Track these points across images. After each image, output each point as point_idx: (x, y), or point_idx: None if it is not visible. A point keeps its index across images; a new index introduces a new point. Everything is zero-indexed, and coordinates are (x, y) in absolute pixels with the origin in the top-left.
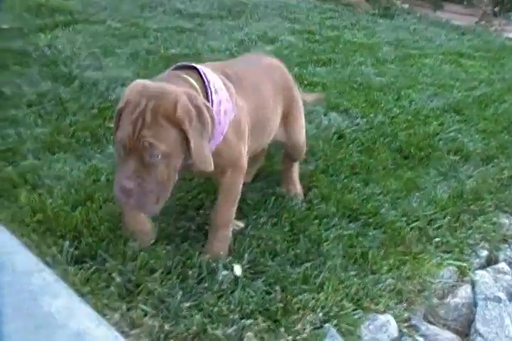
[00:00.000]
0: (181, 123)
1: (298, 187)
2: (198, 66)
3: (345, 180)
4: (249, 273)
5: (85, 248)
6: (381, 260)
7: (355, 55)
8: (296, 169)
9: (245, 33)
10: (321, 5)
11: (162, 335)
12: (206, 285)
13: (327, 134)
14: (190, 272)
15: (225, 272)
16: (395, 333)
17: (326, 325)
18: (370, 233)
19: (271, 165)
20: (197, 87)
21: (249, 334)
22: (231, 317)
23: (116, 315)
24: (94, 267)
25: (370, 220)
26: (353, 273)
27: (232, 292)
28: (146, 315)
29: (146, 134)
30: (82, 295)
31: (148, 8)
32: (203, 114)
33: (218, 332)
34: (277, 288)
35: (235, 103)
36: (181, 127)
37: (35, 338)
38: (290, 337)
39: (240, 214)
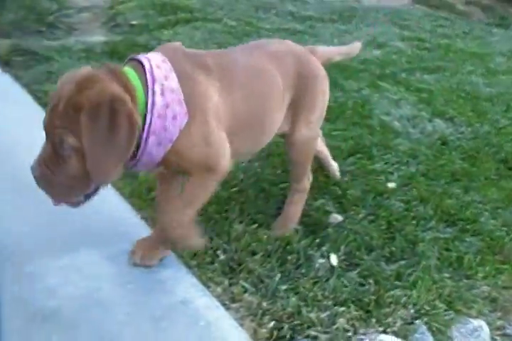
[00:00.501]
0: (82, 122)
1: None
2: (150, 60)
3: (446, 186)
4: (344, 265)
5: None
6: (477, 266)
7: (465, 64)
8: (298, 197)
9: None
10: (434, 13)
11: (260, 311)
12: (303, 271)
13: (430, 140)
14: (289, 257)
15: (321, 260)
16: (488, 340)
17: (417, 321)
18: (467, 239)
19: (372, 164)
20: (134, 85)
21: (341, 320)
22: (325, 302)
23: (219, 289)
24: None
25: (468, 227)
26: (446, 275)
27: (327, 280)
28: (245, 291)
29: (57, 124)
30: (189, 267)
31: (262, 10)
32: (116, 121)
33: (312, 315)
34: (371, 281)
35: (209, 97)
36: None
37: (146, 300)
38: (381, 328)
39: (340, 209)
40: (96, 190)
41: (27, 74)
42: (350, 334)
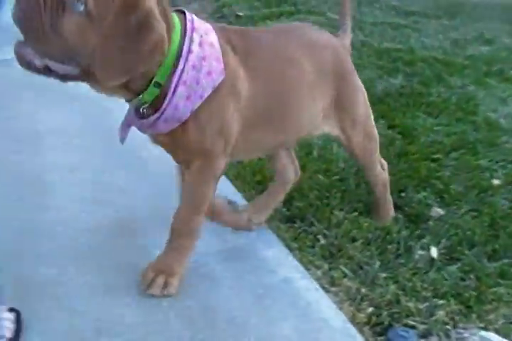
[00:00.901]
0: (120, 3)
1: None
2: (193, 15)
3: None
4: (444, 258)
5: (296, 210)
6: None
7: None
8: (381, 188)
9: (461, 33)
10: None
11: (358, 297)
12: (402, 261)
13: None
14: (388, 246)
15: (421, 252)
16: None
17: None
18: None
19: (476, 160)
20: (173, 23)
21: (441, 312)
22: (424, 294)
23: (319, 272)
24: (302, 228)
25: None
26: None
27: (426, 272)
28: (345, 276)
29: None
30: (290, 249)
31: (365, 3)
32: (145, 26)
33: (411, 305)
34: (472, 276)
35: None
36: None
37: (249, 278)
38: (481, 324)
39: (441, 203)
40: (63, 75)
41: None
42: (449, 327)
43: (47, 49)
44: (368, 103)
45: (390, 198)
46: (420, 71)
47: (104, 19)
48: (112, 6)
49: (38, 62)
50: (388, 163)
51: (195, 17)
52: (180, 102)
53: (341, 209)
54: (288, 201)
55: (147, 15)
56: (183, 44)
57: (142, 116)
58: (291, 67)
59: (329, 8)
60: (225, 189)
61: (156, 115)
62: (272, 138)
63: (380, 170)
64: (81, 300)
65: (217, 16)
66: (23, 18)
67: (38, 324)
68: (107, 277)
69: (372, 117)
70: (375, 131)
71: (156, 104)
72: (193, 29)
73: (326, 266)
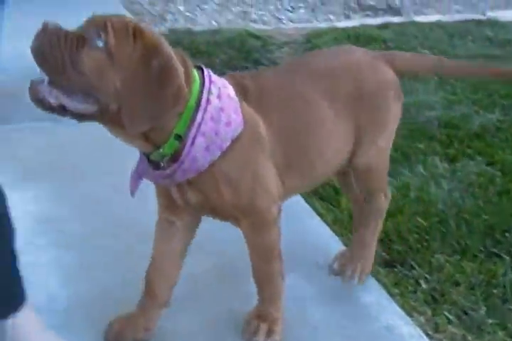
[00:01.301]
0: (141, 50)
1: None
2: (207, 69)
3: None
4: None
5: (395, 254)
6: None
7: None
8: (372, 219)
9: None
10: None
11: None
12: (511, 306)
13: None
14: (494, 291)
15: None
16: None
17: None
18: None
19: None
20: (193, 75)
21: None
22: None
23: (422, 318)
24: (402, 272)
25: None
26: None
27: None
28: (449, 322)
29: (113, 20)
30: (391, 295)
31: (457, 36)
32: (166, 74)
33: None
34: None
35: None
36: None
37: (351, 325)
38: None
39: None
40: (78, 114)
41: None
42: None
43: (66, 84)
44: (393, 131)
45: (374, 242)
46: None
47: (124, 58)
48: (132, 46)
49: (52, 99)
50: (489, 203)
51: (211, 72)
52: (199, 153)
53: (442, 252)
54: (387, 244)
55: (168, 60)
56: (202, 96)
57: (158, 168)
58: (306, 105)
59: (420, 43)
60: (324, 233)
61: (175, 166)
62: (305, 180)
63: (382, 201)
64: None
65: None
66: (42, 52)
67: None
68: (209, 324)
69: (390, 146)
70: (387, 160)
71: (174, 155)
72: (211, 82)
73: (429, 312)
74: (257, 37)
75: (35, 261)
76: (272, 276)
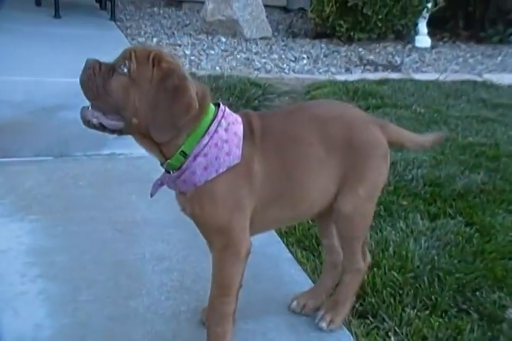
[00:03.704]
0: (155, 75)
1: (340, 311)
2: (226, 107)
3: None
4: None
5: (368, 306)
6: None
7: None
8: (349, 278)
9: None
10: None
11: None
12: None
13: None
14: None
15: None
16: None
17: None
18: None
19: None
20: (207, 108)
21: None
22: None
23: None
24: (374, 324)
25: None
26: None
27: None
28: None
29: (137, 51)
30: None
31: (452, 97)
32: (179, 92)
33: None
34: None
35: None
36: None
37: None
38: None
39: None
40: (112, 130)
41: None
42: None
43: (101, 106)
44: (378, 186)
45: (352, 298)
46: (504, 167)
47: (143, 80)
48: (151, 70)
49: (94, 120)
50: (464, 262)
51: (227, 109)
52: (198, 170)
53: (414, 307)
54: (361, 296)
55: (181, 80)
56: (212, 126)
57: (169, 173)
58: (300, 146)
59: (415, 101)
60: (301, 282)
61: (177, 174)
62: (287, 212)
63: (359, 259)
64: None
65: None
66: (84, 81)
67: None
68: None
69: (375, 201)
70: (370, 217)
71: (180, 168)
72: (223, 117)
73: None
74: (257, 85)
75: (25, 291)
76: (223, 314)
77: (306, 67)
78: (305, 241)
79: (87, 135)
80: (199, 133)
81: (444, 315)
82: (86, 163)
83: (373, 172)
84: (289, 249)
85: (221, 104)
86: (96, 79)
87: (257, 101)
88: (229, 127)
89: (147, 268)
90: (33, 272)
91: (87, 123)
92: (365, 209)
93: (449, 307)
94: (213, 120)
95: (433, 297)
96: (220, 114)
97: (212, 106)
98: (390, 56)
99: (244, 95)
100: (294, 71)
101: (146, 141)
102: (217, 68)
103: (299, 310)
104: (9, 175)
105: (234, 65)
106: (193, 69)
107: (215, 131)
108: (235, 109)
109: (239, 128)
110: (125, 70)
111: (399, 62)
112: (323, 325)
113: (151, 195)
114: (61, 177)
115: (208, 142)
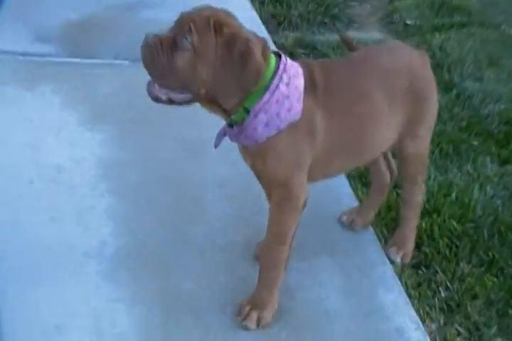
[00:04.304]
0: (219, 44)
1: (407, 245)
2: (288, 58)
3: None
4: None
5: (423, 256)
6: None
7: None
8: (412, 213)
9: None
10: None
11: None
12: None
13: None
14: (510, 311)
15: None
16: None
17: None
18: None
19: None
20: (269, 61)
21: None
22: None
23: (433, 326)
24: (426, 275)
25: None
26: None
27: None
28: (459, 335)
29: (196, 20)
30: (410, 297)
31: None
32: (247, 58)
33: None
34: None
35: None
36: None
37: (365, 321)
38: None
39: None
40: (180, 102)
41: None
42: None
43: (167, 82)
44: (435, 119)
45: (415, 228)
46: None
47: (209, 51)
48: (214, 40)
49: (162, 96)
50: None
51: (289, 60)
52: (260, 126)
53: (469, 262)
54: (417, 245)
55: (247, 45)
56: (273, 81)
57: (231, 127)
58: (363, 101)
59: (505, 20)
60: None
61: (239, 130)
62: (349, 162)
63: (420, 191)
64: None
65: (387, 21)
66: (147, 61)
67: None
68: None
69: (430, 137)
70: (427, 151)
71: (242, 123)
72: (284, 70)
73: (441, 321)
74: None
75: (94, 205)
76: (277, 261)
77: None
78: (368, 177)
79: None
80: (261, 89)
81: (499, 273)
82: None
83: (430, 113)
84: (350, 183)
85: (282, 55)
86: (160, 58)
87: (337, 9)
88: (290, 81)
89: (209, 193)
90: (102, 186)
91: (155, 99)
92: (426, 145)
93: (506, 265)
94: (275, 74)
95: (490, 253)
96: (281, 67)
97: (273, 58)
98: None
99: (324, 1)
100: None
101: (211, 105)
102: None
103: (348, 223)
104: (88, 78)
105: None
106: None
107: (277, 86)
108: (313, 16)
109: (300, 81)
110: (188, 46)
111: None
112: (398, 259)
113: (215, 146)
114: (136, 84)
115: (269, 99)
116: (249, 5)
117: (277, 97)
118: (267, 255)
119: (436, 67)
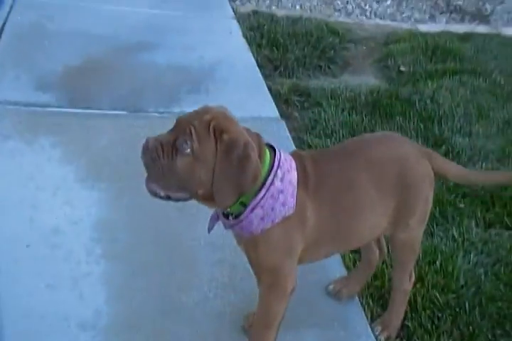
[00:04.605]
0: (218, 149)
1: (392, 328)
2: (282, 151)
3: None
4: None
5: (405, 328)
6: None
7: None
8: (399, 297)
9: None
10: None
11: None
12: None
13: None
14: None
15: None
16: None
17: None
18: None
19: None
20: (263, 159)
21: None
22: None
23: None
24: None
25: None
26: None
27: None
28: None
29: (195, 125)
30: None
31: None
32: (245, 162)
33: None
34: None
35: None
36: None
37: None
38: None
39: None
40: (177, 199)
41: (300, 116)
42: None
43: (166, 183)
44: (428, 210)
45: (402, 312)
46: None
47: (208, 156)
48: (213, 145)
49: (161, 193)
50: (509, 286)
51: (282, 154)
52: (255, 220)
53: (450, 336)
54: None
55: (245, 150)
56: (268, 177)
57: (227, 218)
58: (354, 192)
59: (496, 66)
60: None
61: (235, 222)
62: (337, 249)
63: (407, 280)
64: None
65: (381, 65)
66: (148, 164)
67: None
68: None
69: (423, 228)
70: (419, 241)
71: (238, 215)
72: (278, 166)
73: None
74: (335, 33)
75: (89, 272)
76: None
77: (388, 10)
78: None
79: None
80: (257, 186)
81: None
82: (156, 122)
83: (423, 204)
84: None
85: (276, 149)
86: (160, 161)
87: (332, 52)
88: (284, 176)
89: (201, 256)
90: (98, 251)
91: (154, 194)
92: (418, 234)
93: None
94: (270, 170)
95: (471, 327)
96: (276, 163)
97: (267, 154)
98: (481, 3)
99: (320, 44)
100: (375, 14)
101: (207, 202)
102: (298, 7)
103: (334, 293)
104: (86, 130)
105: (315, 3)
106: (273, 8)
107: (272, 183)
108: (309, 60)
109: (294, 175)
110: (188, 150)
111: (489, 10)
112: (382, 338)
113: (209, 230)
114: (133, 136)
115: (264, 194)
116: (246, 46)
117: (272, 192)
118: (254, 337)
119: (428, 120)
